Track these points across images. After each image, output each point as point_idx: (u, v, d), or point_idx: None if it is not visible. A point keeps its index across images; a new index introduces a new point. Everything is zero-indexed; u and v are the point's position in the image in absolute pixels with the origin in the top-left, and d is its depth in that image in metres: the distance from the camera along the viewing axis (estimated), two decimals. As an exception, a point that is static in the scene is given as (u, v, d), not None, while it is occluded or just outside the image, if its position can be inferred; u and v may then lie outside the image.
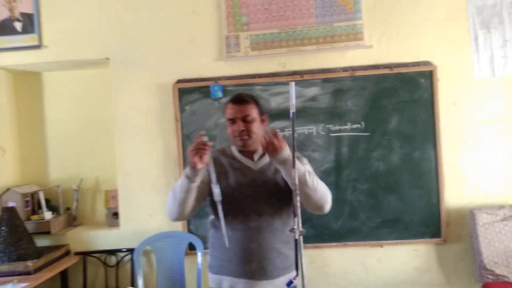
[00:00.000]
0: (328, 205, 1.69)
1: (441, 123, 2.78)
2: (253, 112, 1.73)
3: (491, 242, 2.68)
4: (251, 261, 1.68)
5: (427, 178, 2.80)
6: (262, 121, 1.78)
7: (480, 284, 2.69)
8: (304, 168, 1.64)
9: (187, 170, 1.57)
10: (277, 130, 1.63)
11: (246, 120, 1.71)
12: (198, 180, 1.59)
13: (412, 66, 2.80)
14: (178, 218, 1.72)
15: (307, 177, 1.60)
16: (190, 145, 1.56)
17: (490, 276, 2.65)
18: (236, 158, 1.78)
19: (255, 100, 1.78)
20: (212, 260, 1.80)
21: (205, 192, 1.70)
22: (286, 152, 1.59)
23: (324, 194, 1.67)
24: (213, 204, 1.72)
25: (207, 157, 1.56)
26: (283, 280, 1.70)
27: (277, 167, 1.63)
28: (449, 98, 2.80)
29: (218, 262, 1.77)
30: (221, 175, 1.72)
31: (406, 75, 2.80)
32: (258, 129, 1.74)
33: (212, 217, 1.80)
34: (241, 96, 1.76)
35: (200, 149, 1.52)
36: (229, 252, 1.71)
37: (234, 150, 1.80)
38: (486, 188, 2.82)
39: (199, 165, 1.53)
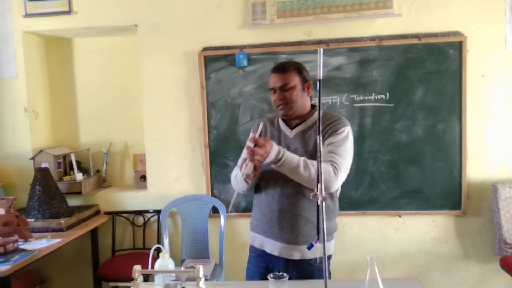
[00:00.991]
0: (331, 188, 1.65)
1: (468, 96, 2.74)
2: (293, 80, 1.73)
3: None
4: (276, 224, 1.74)
5: (450, 150, 2.79)
6: (307, 88, 1.78)
7: (498, 257, 2.72)
8: (297, 161, 1.61)
9: (243, 177, 1.70)
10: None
11: (285, 89, 1.72)
12: (254, 182, 1.72)
13: (441, 36, 2.74)
14: (245, 193, 1.87)
15: (302, 170, 1.59)
16: (244, 158, 1.66)
17: (510, 250, 2.67)
18: (278, 126, 1.83)
19: (297, 68, 1.76)
20: (252, 219, 1.90)
21: None
22: (272, 155, 1.58)
23: (323, 182, 1.61)
24: None
25: (259, 165, 1.64)
26: (313, 248, 1.73)
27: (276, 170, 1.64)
28: (478, 70, 2.75)
29: (254, 221, 1.86)
30: None
31: (435, 46, 2.74)
32: (298, 97, 1.74)
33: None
34: (282, 64, 1.76)
35: (253, 160, 1.58)
36: (262, 213, 1.79)
37: (279, 118, 1.85)
38: (510, 163, 2.80)
39: (251, 177, 1.66)
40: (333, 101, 2.86)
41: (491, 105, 2.78)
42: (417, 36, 2.75)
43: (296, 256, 1.73)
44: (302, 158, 1.63)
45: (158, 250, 1.81)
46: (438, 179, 2.82)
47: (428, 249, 2.92)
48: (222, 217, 2.89)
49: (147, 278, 2.62)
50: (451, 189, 2.82)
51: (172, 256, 2.91)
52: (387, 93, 2.81)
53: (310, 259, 1.74)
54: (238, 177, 1.78)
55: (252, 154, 1.55)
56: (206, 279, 1.82)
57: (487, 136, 2.79)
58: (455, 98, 2.76)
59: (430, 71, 2.76)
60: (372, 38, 2.80)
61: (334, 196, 1.83)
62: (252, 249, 1.87)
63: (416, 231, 2.91)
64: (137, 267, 1.31)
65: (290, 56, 2.85)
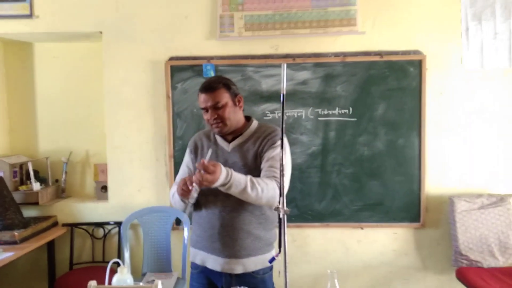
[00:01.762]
0: (275, 203, 1.62)
1: (427, 112, 2.85)
2: (224, 98, 1.71)
3: (467, 229, 2.79)
4: (218, 240, 1.72)
5: (410, 164, 2.89)
6: (238, 102, 1.77)
7: (454, 268, 2.81)
8: (244, 181, 1.59)
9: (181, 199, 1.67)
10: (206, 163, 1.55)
11: (217, 107, 1.70)
12: (192, 202, 1.64)
13: (402, 54, 2.85)
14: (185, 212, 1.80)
15: (249, 191, 1.58)
16: (184, 179, 1.62)
17: (465, 261, 2.77)
18: (215, 140, 1.82)
19: (225, 84, 1.74)
20: (192, 234, 1.87)
21: None
22: (221, 179, 1.54)
23: (270, 198, 1.63)
24: None
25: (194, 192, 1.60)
26: (254, 260, 1.73)
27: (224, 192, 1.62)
28: (437, 88, 2.87)
29: (194, 236, 1.84)
30: (200, 157, 1.79)
31: (396, 63, 2.84)
32: (231, 113, 1.73)
33: None
34: (209, 83, 1.73)
35: (201, 185, 1.55)
36: (202, 229, 1.77)
37: (216, 133, 1.83)
38: (467, 177, 2.92)
39: (188, 199, 1.61)
40: (299, 114, 2.90)
41: (449, 121, 2.89)
42: (379, 53, 2.84)
43: (239, 270, 1.73)
44: (248, 177, 1.62)
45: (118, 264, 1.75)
46: (399, 192, 2.90)
47: (389, 261, 2.98)
48: (186, 229, 2.85)
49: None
50: (411, 202, 2.90)
51: (133, 269, 2.87)
52: (351, 108, 2.88)
53: (253, 272, 1.74)
54: (176, 197, 1.73)
55: (201, 180, 1.51)
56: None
57: (445, 151, 2.90)
58: (415, 114, 2.86)
59: (391, 88, 2.86)
60: (336, 54, 2.87)
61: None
62: (194, 265, 1.85)
63: (378, 243, 2.97)
64: (92, 283, 1.27)
65: (257, 69, 2.88)
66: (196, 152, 1.84)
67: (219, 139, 1.82)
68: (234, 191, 1.58)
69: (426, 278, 2.98)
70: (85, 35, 3.01)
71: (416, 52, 2.85)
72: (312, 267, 2.99)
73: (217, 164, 1.55)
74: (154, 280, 1.68)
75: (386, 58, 2.84)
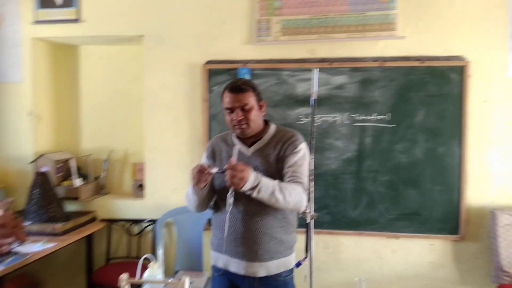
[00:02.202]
0: (303, 208, 1.66)
1: (469, 120, 2.73)
2: (251, 100, 1.73)
3: (510, 243, 2.65)
4: (242, 244, 1.74)
5: (450, 174, 2.78)
6: (260, 107, 1.79)
7: (495, 285, 2.67)
8: (272, 185, 1.59)
9: (194, 188, 1.70)
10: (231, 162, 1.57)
11: (244, 109, 1.72)
12: (205, 191, 1.70)
13: (443, 60, 2.75)
14: (200, 212, 1.87)
15: (278, 195, 1.58)
16: (193, 168, 1.66)
17: (507, 278, 2.63)
18: (233, 145, 1.82)
19: (252, 87, 1.76)
20: (213, 238, 1.89)
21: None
22: (250, 181, 1.54)
23: (297, 203, 1.64)
24: (215, 190, 1.83)
25: (209, 178, 1.64)
26: (276, 263, 1.75)
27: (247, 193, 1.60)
28: (480, 95, 2.74)
29: (215, 240, 1.86)
30: (218, 162, 1.81)
31: (437, 69, 2.75)
32: (256, 117, 1.75)
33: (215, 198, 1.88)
34: (238, 85, 1.74)
35: (201, 176, 1.61)
36: (224, 233, 1.77)
37: (234, 137, 1.84)
38: (510, 189, 2.77)
39: (202, 185, 1.66)
40: (334, 119, 2.87)
41: (492, 130, 2.76)
42: (419, 58, 2.76)
43: (262, 273, 1.74)
44: (276, 181, 1.62)
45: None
46: (437, 202, 2.80)
47: (424, 273, 2.88)
48: (217, 230, 2.88)
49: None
50: (450, 213, 2.79)
51: (166, 266, 2.93)
52: (389, 114, 2.82)
53: (275, 274, 1.75)
54: (189, 192, 1.77)
55: (232, 177, 1.51)
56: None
57: (487, 161, 2.77)
58: (456, 122, 2.75)
59: (431, 94, 2.77)
60: (375, 59, 2.81)
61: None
62: (215, 268, 1.87)
63: (413, 254, 2.88)
64: (124, 276, 1.32)
65: (292, 73, 2.87)
66: (214, 157, 1.86)
67: (237, 142, 1.82)
68: (263, 195, 1.58)
69: (464, 293, 2.86)
70: (127, 39, 3.13)
71: (458, 58, 2.74)
72: (345, 275, 2.93)
73: (246, 165, 1.56)
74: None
75: (426, 63, 2.75)
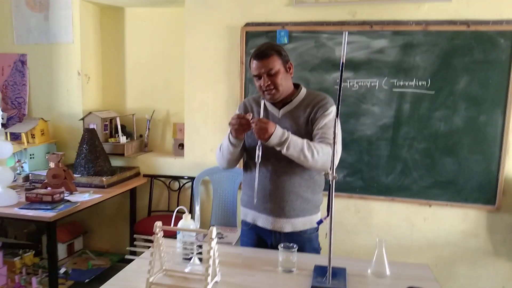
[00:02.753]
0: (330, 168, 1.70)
1: (515, 88, 2.62)
2: (277, 64, 1.74)
3: (550, 217, 2.58)
4: (269, 201, 1.82)
5: (490, 144, 2.70)
6: (288, 69, 1.80)
7: (529, 257, 2.64)
8: (301, 143, 1.65)
9: (232, 139, 1.75)
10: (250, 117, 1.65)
11: (270, 74, 1.74)
12: (241, 145, 1.77)
13: (493, 24, 2.61)
14: (228, 168, 1.95)
15: (307, 153, 1.64)
16: (232, 117, 1.71)
17: (542, 251, 2.59)
18: (265, 107, 1.85)
19: (276, 51, 1.76)
20: (242, 195, 1.99)
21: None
22: (278, 134, 1.61)
23: (325, 163, 1.68)
24: (246, 149, 1.90)
25: (248, 128, 1.68)
26: (302, 220, 1.83)
27: (277, 149, 1.66)
28: (530, 62, 2.61)
29: (245, 197, 1.95)
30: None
31: (484, 34, 2.62)
32: (284, 80, 1.77)
33: (245, 158, 1.96)
34: (262, 50, 1.75)
35: (241, 125, 1.66)
36: (253, 190, 1.84)
37: (265, 100, 1.88)
38: (554, 162, 2.67)
39: (242, 136, 1.72)
40: (372, 84, 2.83)
41: (540, 100, 2.64)
42: (466, 23, 2.64)
43: (288, 228, 1.83)
44: (305, 140, 1.67)
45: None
46: (474, 172, 2.75)
47: (456, 242, 2.88)
48: (252, 189, 2.99)
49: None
50: (487, 183, 2.74)
51: (202, 221, 3.10)
52: (429, 80, 2.74)
53: (300, 231, 1.84)
54: (224, 146, 1.83)
55: (257, 128, 1.59)
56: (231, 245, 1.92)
57: (532, 132, 2.67)
58: (501, 91, 2.64)
59: (476, 61, 2.66)
60: (418, 23, 2.71)
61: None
62: (245, 223, 1.98)
63: (446, 223, 2.87)
64: (158, 223, 1.44)
65: (331, 36, 2.84)
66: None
67: (269, 106, 1.86)
68: (292, 152, 1.64)
69: (496, 263, 2.84)
70: (170, 1, 3.19)
71: (509, 22, 2.59)
72: (374, 238, 2.96)
73: (268, 120, 1.64)
74: (220, 232, 1.86)
75: (473, 27, 2.62)
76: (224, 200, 3.10)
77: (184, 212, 1.71)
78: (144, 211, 3.33)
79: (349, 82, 2.87)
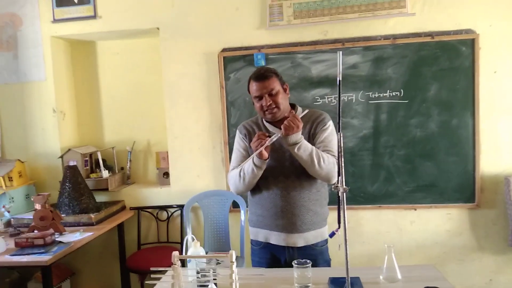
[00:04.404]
0: (334, 179, 1.81)
1: (481, 92, 2.81)
2: (277, 85, 1.85)
3: (525, 208, 2.76)
4: (281, 217, 1.88)
5: (464, 145, 2.87)
6: (285, 90, 1.91)
7: (511, 248, 2.79)
8: (311, 147, 1.78)
9: (257, 160, 1.80)
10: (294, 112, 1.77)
11: (271, 94, 1.84)
12: (264, 167, 1.82)
13: (454, 34, 2.81)
14: (244, 193, 1.99)
15: (314, 158, 1.76)
16: (254, 139, 1.79)
17: (523, 241, 2.75)
18: (266, 128, 1.95)
19: (275, 73, 1.88)
20: (251, 215, 2.03)
21: None
22: (298, 135, 1.75)
23: (330, 172, 1.80)
24: None
25: (269, 148, 1.78)
26: (313, 233, 1.90)
27: (288, 148, 1.78)
28: (490, 67, 2.82)
29: (255, 217, 1.99)
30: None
31: (448, 43, 2.82)
32: (283, 100, 1.88)
33: None
34: (262, 72, 1.86)
35: (262, 139, 1.75)
36: (264, 208, 1.92)
37: (264, 121, 1.97)
38: (523, 156, 2.87)
39: (266, 155, 1.78)
40: (349, 98, 2.96)
41: (503, 100, 2.84)
42: (430, 34, 2.83)
43: (301, 243, 1.89)
44: (314, 147, 1.79)
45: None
46: (453, 173, 2.90)
47: (443, 241, 3.00)
48: (242, 211, 3.00)
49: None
50: (465, 183, 2.90)
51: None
52: (402, 90, 2.90)
53: (312, 244, 1.91)
54: (247, 170, 1.84)
55: (292, 121, 1.71)
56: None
57: (499, 130, 2.86)
58: (468, 94, 2.83)
59: (443, 68, 2.84)
60: (386, 37, 2.88)
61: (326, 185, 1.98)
62: (256, 243, 2.01)
63: (431, 224, 3.00)
64: (176, 253, 1.43)
65: (306, 55, 2.95)
66: (250, 138, 1.95)
67: (269, 127, 1.94)
68: (302, 153, 1.74)
69: (482, 258, 2.98)
70: (143, 32, 3.21)
71: (468, 31, 2.81)
72: (366, 247, 3.06)
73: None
74: (217, 259, 1.86)
75: (437, 38, 2.82)
76: (215, 225, 3.09)
77: (194, 240, 1.71)
78: (134, 245, 3.25)
79: (327, 98, 2.98)
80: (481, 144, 2.85)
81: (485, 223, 2.95)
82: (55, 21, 3.16)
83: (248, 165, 1.83)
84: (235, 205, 3.06)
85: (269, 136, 1.77)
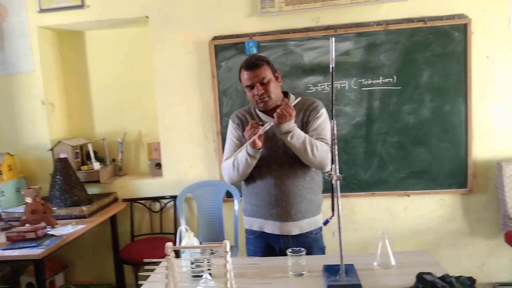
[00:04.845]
0: (328, 167, 1.80)
1: (473, 77, 2.81)
2: (268, 73, 1.82)
3: (516, 193, 2.78)
4: (276, 206, 1.87)
5: (456, 131, 2.88)
6: (276, 78, 1.88)
7: (503, 232, 2.81)
8: (304, 136, 1.76)
9: (250, 150, 1.77)
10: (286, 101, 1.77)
11: (263, 83, 1.81)
12: (258, 156, 1.80)
13: (446, 19, 2.80)
14: (238, 183, 1.97)
15: (307, 146, 1.74)
16: (247, 128, 1.77)
17: (514, 225, 2.77)
18: (259, 116, 1.93)
19: (266, 61, 1.85)
20: (245, 205, 2.01)
21: None
22: (291, 123, 1.73)
23: (323, 159, 1.78)
24: None
25: (262, 137, 1.75)
26: (307, 222, 1.90)
27: (281, 137, 1.77)
28: (483, 52, 2.81)
29: (249, 206, 1.97)
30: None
31: (440, 29, 2.80)
32: (275, 88, 1.86)
33: None
34: (253, 61, 1.83)
35: (255, 128, 1.72)
36: (258, 197, 1.91)
37: (257, 110, 1.94)
38: (515, 141, 2.88)
39: (260, 145, 1.75)
40: (342, 85, 2.94)
41: (495, 85, 2.84)
42: (422, 19, 2.81)
43: (296, 231, 1.89)
44: (307, 135, 1.78)
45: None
46: (445, 159, 2.91)
47: (436, 227, 3.02)
48: (235, 201, 3.00)
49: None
50: (458, 169, 2.91)
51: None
52: (395, 76, 2.89)
53: (307, 232, 1.91)
54: (240, 159, 1.82)
55: (284, 109, 1.70)
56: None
57: (492, 116, 2.87)
58: (461, 80, 2.83)
59: (436, 54, 2.83)
60: (378, 23, 2.86)
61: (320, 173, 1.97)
62: (250, 232, 2.00)
63: (424, 210, 3.01)
64: (169, 244, 1.41)
65: (298, 42, 2.92)
66: (243, 127, 1.93)
67: (262, 115, 1.92)
68: (295, 142, 1.73)
69: (475, 243, 3.01)
70: (132, 21, 3.15)
71: (460, 16, 2.79)
72: (359, 234, 3.07)
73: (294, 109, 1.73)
74: (211, 249, 1.85)
75: (429, 23, 2.80)
76: (209, 215, 3.07)
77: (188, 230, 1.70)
78: (127, 237, 3.23)
79: (320, 86, 2.96)
80: (474, 129, 2.86)
81: (477, 208, 2.97)
82: (41, 11, 3.09)
83: (242, 154, 1.81)
84: (229, 195, 3.05)
85: (262, 125, 1.75)
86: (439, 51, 2.82)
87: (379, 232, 1.64)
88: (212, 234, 3.06)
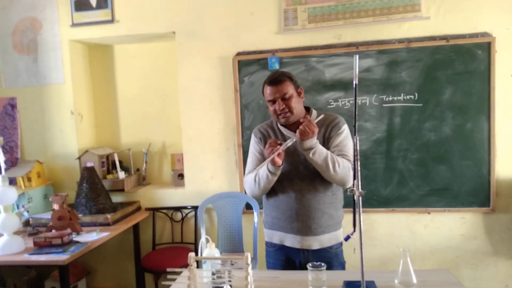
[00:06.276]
0: (349, 184, 1.82)
1: (496, 95, 2.80)
2: (290, 89, 1.87)
3: (541, 213, 2.73)
4: (296, 220, 1.90)
5: (478, 149, 2.86)
6: (299, 93, 1.92)
7: (527, 253, 2.77)
8: (326, 152, 1.79)
9: (270, 167, 1.82)
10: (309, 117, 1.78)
11: (285, 98, 1.86)
12: (279, 173, 1.85)
13: (469, 37, 2.80)
14: (259, 197, 2.02)
15: (329, 163, 1.77)
16: (266, 147, 1.82)
17: (538, 246, 2.72)
18: (281, 131, 1.97)
19: (289, 77, 1.89)
20: (266, 217, 2.05)
21: None
22: (314, 140, 1.77)
23: (344, 176, 1.81)
24: None
25: (283, 154, 1.80)
26: (328, 236, 1.91)
27: (303, 153, 1.80)
28: (506, 70, 2.80)
29: (270, 219, 2.01)
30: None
31: (463, 47, 2.81)
32: (297, 104, 1.89)
33: None
34: (276, 77, 1.88)
35: (274, 146, 1.77)
36: (279, 211, 1.94)
37: (279, 124, 1.99)
38: (539, 160, 2.84)
39: (279, 162, 1.80)
40: (363, 101, 2.96)
41: (520, 104, 2.82)
42: (445, 37, 2.83)
43: (316, 246, 1.91)
44: (328, 151, 1.80)
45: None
46: (467, 177, 2.89)
47: (457, 245, 2.99)
48: (255, 213, 3.03)
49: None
50: (480, 187, 2.88)
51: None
52: (416, 94, 2.90)
53: (327, 247, 1.92)
54: (261, 175, 1.87)
55: (307, 126, 1.73)
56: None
57: (515, 134, 2.84)
58: (484, 98, 2.82)
59: (458, 72, 2.83)
60: (400, 41, 2.88)
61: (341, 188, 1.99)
62: (270, 244, 2.03)
63: (445, 228, 2.99)
64: (192, 254, 1.46)
65: (320, 59, 2.97)
66: (265, 142, 1.98)
67: (284, 130, 1.96)
68: (317, 158, 1.76)
69: (497, 263, 2.96)
70: (159, 36, 3.27)
71: (484, 35, 2.79)
72: (378, 251, 3.06)
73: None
74: (230, 261, 1.89)
75: (452, 42, 2.81)
76: (229, 227, 3.12)
77: (209, 241, 1.74)
78: (148, 245, 3.30)
79: (341, 101, 2.99)
80: (497, 147, 2.84)
81: (500, 228, 2.93)
82: (73, 25, 3.23)
83: (263, 170, 1.86)
84: (248, 206, 3.10)
85: (281, 144, 1.79)
86: (461, 69, 2.83)
87: (400, 249, 1.65)
88: (232, 245, 3.10)
